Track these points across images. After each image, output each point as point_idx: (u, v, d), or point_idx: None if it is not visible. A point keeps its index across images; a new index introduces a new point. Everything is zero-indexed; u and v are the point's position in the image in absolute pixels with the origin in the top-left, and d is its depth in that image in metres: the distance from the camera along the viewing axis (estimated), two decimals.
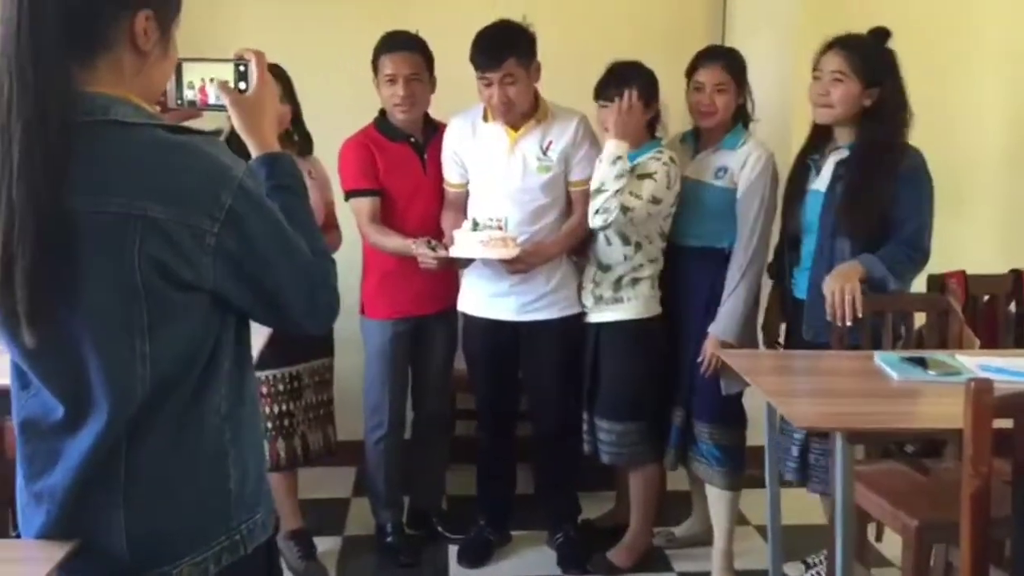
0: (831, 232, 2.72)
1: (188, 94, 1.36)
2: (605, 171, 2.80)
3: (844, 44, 2.72)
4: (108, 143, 1.13)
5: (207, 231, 1.15)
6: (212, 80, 1.36)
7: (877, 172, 2.65)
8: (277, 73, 2.91)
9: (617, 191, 2.78)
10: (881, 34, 2.74)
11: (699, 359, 2.91)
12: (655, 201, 2.85)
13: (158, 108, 1.30)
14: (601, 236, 2.93)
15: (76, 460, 1.18)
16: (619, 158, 2.79)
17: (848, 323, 2.58)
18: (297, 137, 3.08)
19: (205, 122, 1.33)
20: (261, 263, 1.21)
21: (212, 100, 1.37)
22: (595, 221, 2.83)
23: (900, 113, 2.71)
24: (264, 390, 3.00)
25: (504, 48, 2.81)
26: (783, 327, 3.01)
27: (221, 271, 1.18)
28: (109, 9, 1.16)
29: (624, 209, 2.80)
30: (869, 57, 2.69)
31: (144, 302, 1.14)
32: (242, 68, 1.37)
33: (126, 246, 1.12)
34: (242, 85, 1.36)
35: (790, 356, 2.63)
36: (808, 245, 2.81)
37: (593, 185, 2.83)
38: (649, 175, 2.84)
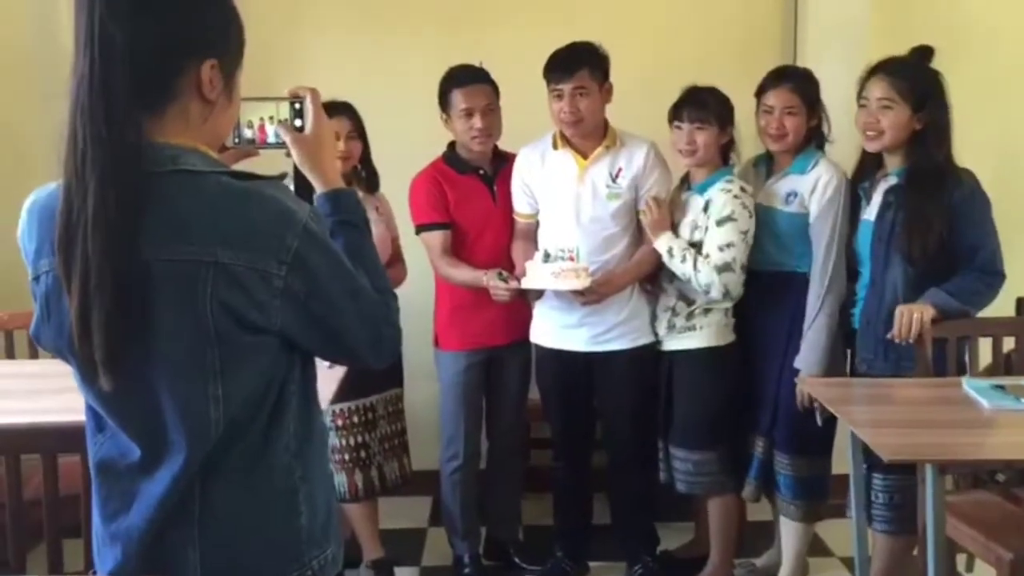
0: (883, 262, 2.66)
1: (247, 133, 1.39)
2: (676, 266, 2.87)
3: (889, 69, 2.66)
4: (178, 193, 1.17)
5: (274, 274, 1.18)
6: (271, 118, 1.39)
7: (930, 197, 2.58)
8: (347, 111, 3.01)
9: (695, 266, 2.82)
10: (925, 53, 2.67)
11: (794, 395, 2.84)
12: (745, 236, 2.83)
13: (218, 148, 1.32)
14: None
15: (152, 501, 1.21)
16: (671, 249, 2.87)
17: (899, 340, 2.53)
18: (364, 174, 3.14)
19: (264, 162, 1.35)
20: (327, 303, 1.23)
21: (271, 139, 1.40)
22: (714, 295, 2.85)
23: (948, 134, 2.63)
24: (339, 423, 3.04)
25: (577, 60, 2.84)
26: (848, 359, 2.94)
27: (288, 313, 1.20)
28: (176, 60, 1.20)
29: (727, 268, 2.81)
30: (916, 80, 2.63)
31: (216, 346, 1.17)
32: (297, 106, 1.39)
33: (198, 292, 1.15)
34: (298, 122, 1.39)
35: (878, 384, 2.55)
36: (863, 277, 2.77)
37: (684, 278, 2.88)
38: (729, 218, 2.82)
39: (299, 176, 1.41)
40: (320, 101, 1.40)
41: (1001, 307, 2.84)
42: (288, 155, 1.41)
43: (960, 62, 3.56)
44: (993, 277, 2.59)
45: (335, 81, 3.37)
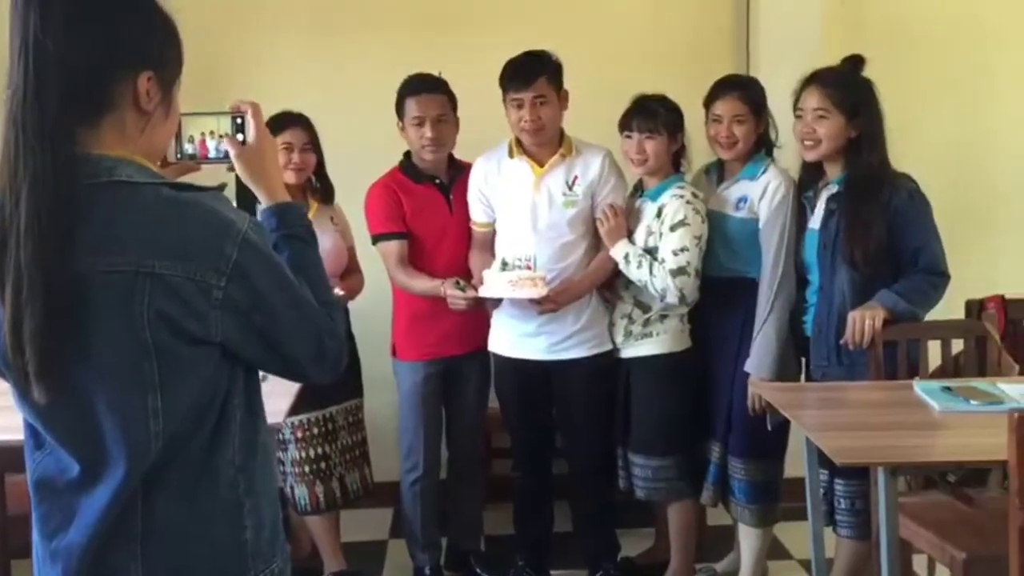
0: (830, 270, 2.71)
1: (188, 148, 1.39)
2: (633, 272, 2.89)
3: (823, 80, 2.71)
4: (114, 203, 1.15)
5: (214, 285, 1.17)
6: (211, 133, 1.38)
7: (868, 203, 2.63)
8: (302, 122, 3.00)
9: (651, 271, 2.83)
10: (856, 63, 2.73)
11: (746, 399, 2.87)
12: (699, 241, 2.86)
13: (159, 164, 1.31)
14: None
15: (92, 517, 1.19)
16: (627, 255, 2.89)
17: (853, 347, 2.58)
18: (319, 185, 3.13)
19: (206, 176, 1.34)
20: (267, 314, 1.22)
21: (212, 153, 1.39)
22: (671, 300, 2.87)
23: (882, 141, 2.68)
24: (299, 434, 3.02)
25: (536, 68, 2.86)
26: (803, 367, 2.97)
27: (229, 324, 1.19)
28: (112, 71, 1.19)
29: (681, 272, 2.82)
30: (849, 89, 2.68)
31: (154, 358, 1.15)
32: (239, 120, 1.39)
33: (134, 303, 1.13)
34: (240, 137, 1.38)
35: (830, 388, 2.59)
36: (812, 284, 2.81)
37: (640, 284, 2.89)
38: (682, 223, 2.84)
39: (240, 188, 1.40)
40: (261, 115, 1.40)
41: (950, 310, 2.89)
42: (230, 170, 1.40)
43: (910, 68, 3.64)
44: (937, 278, 2.63)
45: (290, 92, 3.37)
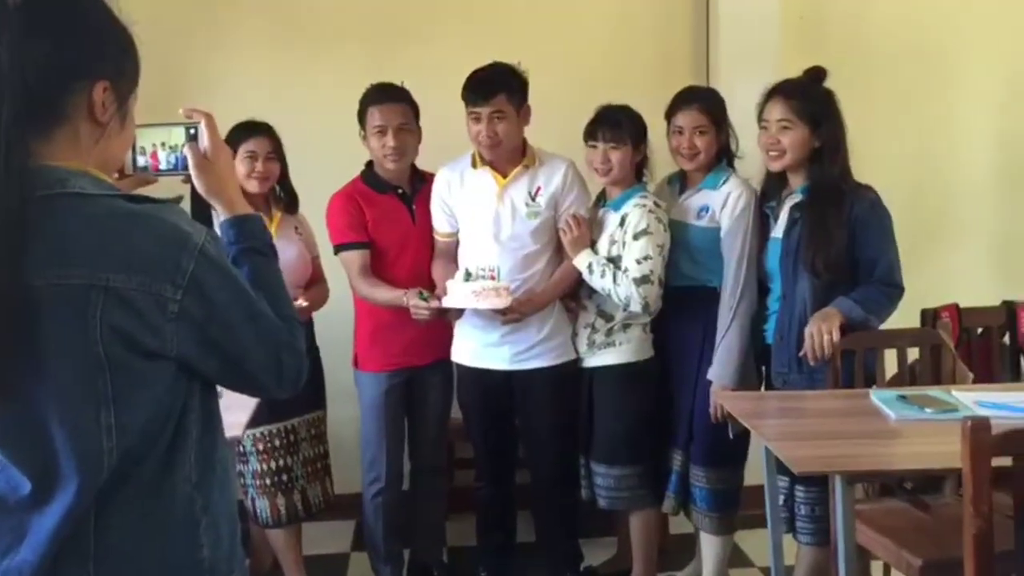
0: (792, 278, 2.74)
1: (140, 160, 1.37)
2: (596, 281, 2.90)
3: (786, 92, 2.76)
4: (67, 216, 1.14)
5: (170, 298, 1.15)
6: (163, 144, 1.36)
7: (829, 212, 2.67)
8: (266, 131, 2.98)
9: (615, 280, 2.85)
10: (818, 74, 2.77)
11: (708, 408, 2.89)
12: (661, 250, 2.88)
13: (116, 176, 1.30)
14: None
15: (44, 536, 1.17)
16: (591, 265, 2.90)
17: (814, 362, 2.61)
18: (283, 194, 3.11)
19: (161, 188, 1.33)
20: (225, 329, 1.21)
21: (163, 165, 1.37)
22: (634, 309, 2.88)
23: (843, 151, 2.73)
24: (260, 447, 2.99)
25: (495, 84, 2.85)
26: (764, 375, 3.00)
27: (185, 338, 1.18)
28: (66, 81, 1.17)
29: (645, 280, 2.84)
30: (811, 100, 2.73)
31: (107, 373, 1.13)
32: (192, 131, 1.37)
33: (87, 317, 1.11)
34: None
35: (788, 397, 2.62)
36: (774, 292, 2.84)
37: (604, 293, 2.90)
38: (645, 232, 2.86)
39: (195, 200, 1.39)
40: (215, 125, 1.38)
41: (906, 319, 2.94)
42: (185, 181, 1.38)
43: (867, 82, 3.70)
44: (892, 288, 2.68)
45: (253, 101, 3.34)
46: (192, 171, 1.36)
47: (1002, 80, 4.01)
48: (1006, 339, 3.49)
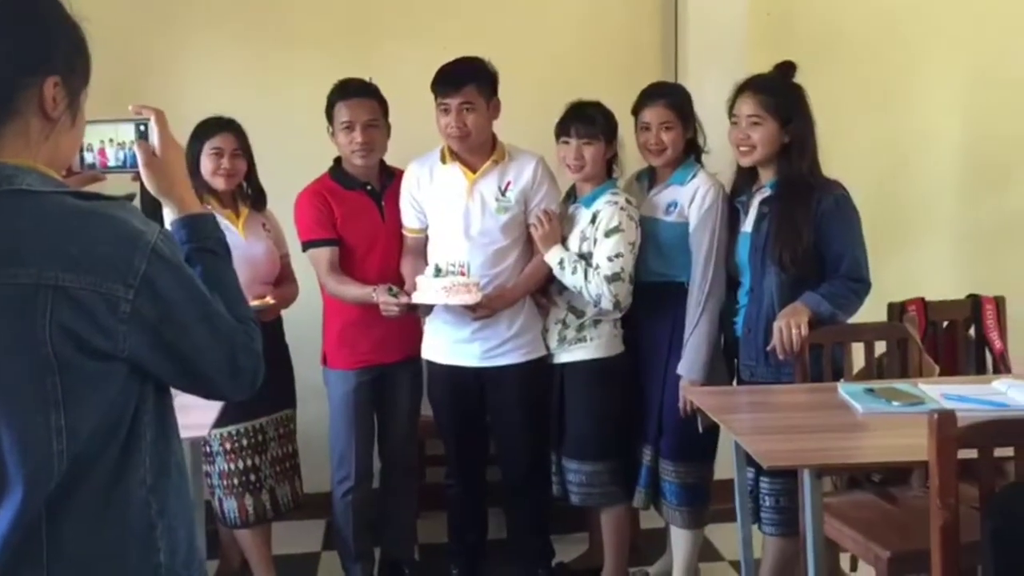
0: (760, 271, 2.76)
1: (87, 157, 1.33)
2: (568, 278, 2.90)
3: (756, 87, 2.77)
4: (15, 213, 1.11)
5: (121, 298, 1.13)
6: (111, 141, 1.33)
7: (797, 206, 2.69)
8: (232, 128, 2.95)
9: (586, 276, 2.84)
10: (788, 70, 2.79)
11: (678, 402, 2.89)
12: (632, 247, 2.88)
13: (64, 174, 1.27)
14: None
15: None
16: (562, 261, 2.89)
17: (782, 356, 2.63)
18: (250, 191, 3.08)
19: (111, 187, 1.30)
20: (179, 330, 1.19)
21: (112, 163, 1.34)
22: (605, 306, 2.88)
23: (811, 146, 2.75)
24: (227, 446, 2.95)
25: (465, 75, 2.85)
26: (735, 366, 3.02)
27: (137, 339, 1.15)
28: (16, 76, 1.15)
29: (616, 278, 2.84)
30: (781, 95, 2.74)
31: (57, 374, 1.11)
32: (142, 127, 1.34)
33: (36, 317, 1.09)
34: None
35: (757, 391, 2.64)
36: (744, 287, 2.85)
37: (575, 290, 2.90)
38: (616, 229, 2.86)
39: (145, 197, 1.36)
40: (166, 121, 1.35)
41: (873, 313, 2.96)
42: (135, 179, 1.35)
43: (833, 77, 3.72)
44: (858, 284, 2.69)
45: (219, 97, 3.31)
46: (141, 169, 1.34)
47: (967, 75, 4.05)
48: (971, 332, 3.53)
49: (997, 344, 3.50)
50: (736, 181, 2.92)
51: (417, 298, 2.86)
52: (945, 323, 3.48)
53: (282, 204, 3.14)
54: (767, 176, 2.81)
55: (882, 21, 3.96)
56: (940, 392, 2.31)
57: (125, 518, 1.19)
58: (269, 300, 2.95)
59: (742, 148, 2.78)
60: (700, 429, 2.82)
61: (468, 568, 3.20)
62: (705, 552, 3.25)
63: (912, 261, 3.92)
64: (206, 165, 2.94)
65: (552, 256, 2.92)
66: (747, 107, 2.75)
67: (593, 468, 2.99)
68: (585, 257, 2.91)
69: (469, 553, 3.21)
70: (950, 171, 4.11)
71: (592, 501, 3.06)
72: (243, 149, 3.00)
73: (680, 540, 3.04)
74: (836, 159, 2.85)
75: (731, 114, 2.81)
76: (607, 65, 3.80)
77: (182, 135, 2.90)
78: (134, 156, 1.35)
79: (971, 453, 1.77)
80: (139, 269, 1.14)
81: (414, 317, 3.01)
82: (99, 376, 1.14)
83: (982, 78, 4.04)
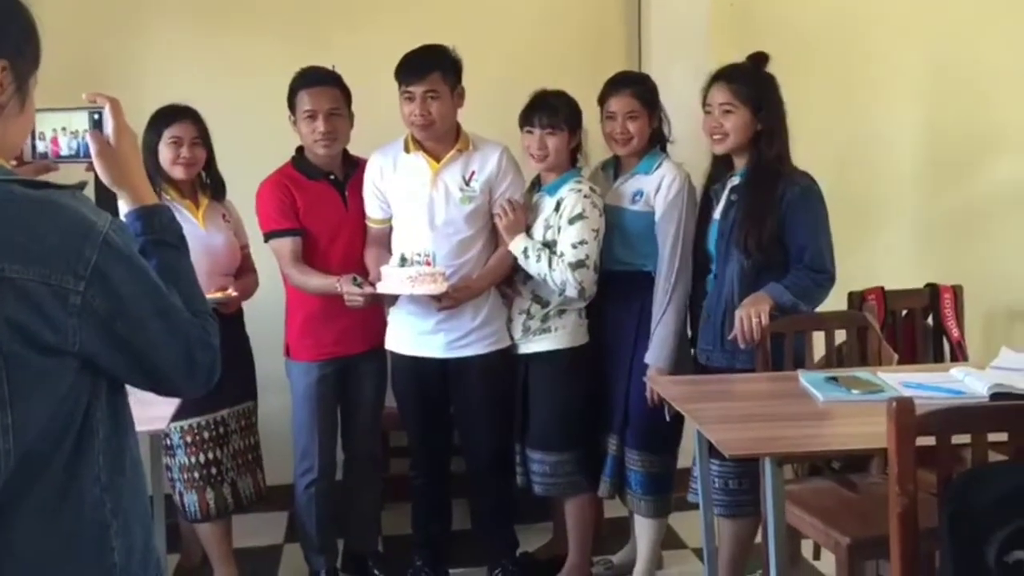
0: (725, 257, 2.78)
1: (39, 146, 1.30)
2: (532, 266, 2.90)
3: (728, 76, 2.79)
4: None
5: (71, 290, 1.09)
6: (63, 129, 1.30)
7: (763, 194, 2.72)
8: (191, 116, 2.91)
9: (551, 265, 2.84)
10: (760, 59, 2.81)
11: (643, 392, 2.90)
12: (596, 234, 2.88)
13: (14, 163, 1.24)
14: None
15: None
16: (526, 249, 2.89)
17: (743, 346, 2.64)
18: (209, 181, 3.04)
19: (62, 176, 1.27)
20: (132, 323, 1.15)
21: (64, 152, 1.31)
22: (570, 294, 2.88)
23: (781, 135, 2.77)
24: (188, 439, 2.92)
25: (429, 62, 2.83)
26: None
27: (88, 333, 1.11)
28: None
29: (580, 265, 2.84)
30: (753, 84, 2.77)
31: (3, 370, 1.07)
32: (96, 116, 1.30)
33: None
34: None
35: (720, 380, 2.65)
36: (713, 274, 2.87)
37: (538, 279, 2.90)
38: (580, 216, 2.86)
39: (99, 187, 1.33)
40: (121, 110, 1.32)
41: (834, 301, 2.99)
42: (89, 169, 1.31)
43: (795, 67, 3.73)
44: (820, 275, 2.72)
45: (178, 85, 3.27)
46: (94, 159, 1.30)
47: (926, 67, 4.10)
48: (929, 321, 3.59)
49: (955, 332, 3.56)
50: (711, 170, 2.93)
51: (382, 288, 2.84)
52: (904, 312, 3.54)
53: (243, 194, 3.10)
54: (740, 164, 2.83)
55: (843, 13, 3.99)
56: (899, 380, 2.33)
57: (78, 517, 1.16)
58: (231, 293, 2.91)
59: (715, 136, 2.80)
60: (668, 417, 2.84)
61: (432, 559, 3.19)
62: (668, 540, 3.28)
63: (872, 251, 3.96)
64: (164, 154, 2.90)
65: (516, 245, 2.91)
66: (720, 95, 2.77)
67: (557, 458, 3.00)
68: (549, 245, 2.91)
69: (433, 544, 3.20)
70: (909, 162, 4.16)
71: (556, 491, 3.06)
72: (202, 138, 2.95)
73: (644, 529, 3.06)
74: (796, 150, 2.87)
75: (704, 103, 2.82)
76: (571, 55, 3.80)
77: (141, 125, 2.90)
78: (87, 145, 1.31)
79: (929, 440, 1.79)
80: (90, 260, 1.10)
81: (378, 308, 2.99)
82: (48, 372, 1.10)
83: (941, 70, 4.10)
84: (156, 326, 1.18)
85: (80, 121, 1.31)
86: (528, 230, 2.96)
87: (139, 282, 1.17)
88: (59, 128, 1.30)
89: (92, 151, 1.30)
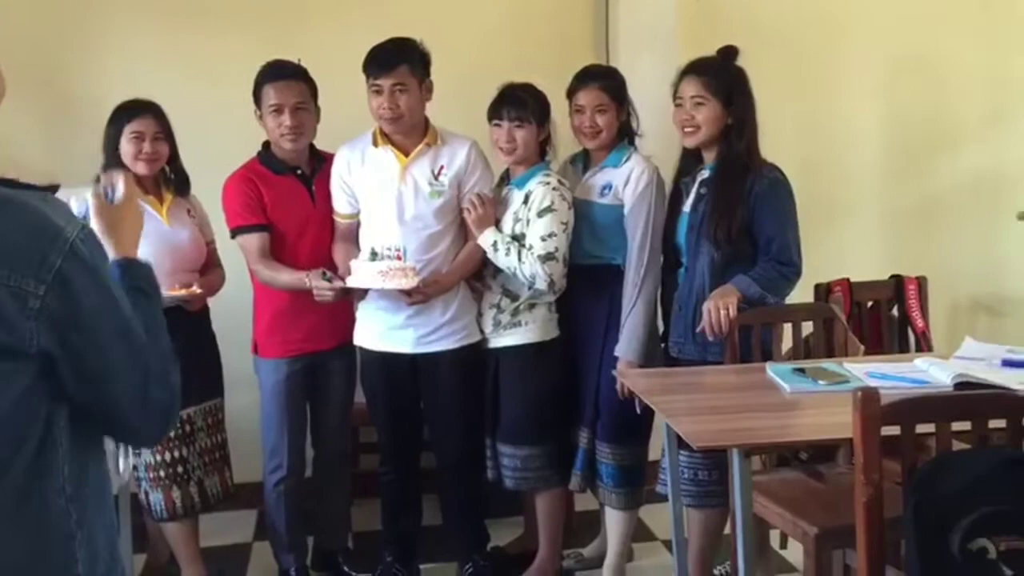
0: (695, 250, 2.79)
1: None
2: (501, 259, 2.89)
3: (700, 69, 2.80)
4: None
5: (30, 293, 1.06)
6: (77, 197, 1.36)
7: (732, 186, 2.73)
8: (152, 110, 2.87)
9: (520, 258, 2.84)
10: (730, 53, 2.83)
11: (614, 385, 2.90)
12: (565, 228, 2.88)
13: None
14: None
15: None
16: (495, 243, 2.89)
17: (712, 338, 2.66)
18: (173, 176, 3.01)
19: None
20: (89, 338, 1.10)
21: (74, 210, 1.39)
22: (540, 286, 2.87)
23: (751, 128, 2.79)
24: None
25: (397, 55, 2.82)
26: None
27: (45, 339, 1.07)
28: None
29: (550, 257, 2.84)
30: (724, 77, 2.78)
31: None
32: (108, 190, 1.42)
33: None
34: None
35: (689, 372, 2.66)
36: (683, 266, 2.88)
37: (507, 272, 2.90)
38: (549, 209, 2.86)
39: None
40: (132, 182, 1.42)
41: (801, 293, 3.01)
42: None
43: (762, 62, 3.76)
44: (787, 267, 2.74)
45: (142, 80, 3.23)
46: (92, 213, 1.35)
47: (888, 60, 4.14)
48: (894, 311, 3.63)
49: (919, 323, 3.60)
50: (680, 163, 2.94)
51: (352, 282, 2.82)
52: (870, 303, 3.57)
53: (209, 190, 3.06)
54: (710, 157, 2.84)
55: (806, 9, 4.03)
56: (865, 371, 2.35)
57: (42, 528, 1.13)
58: (196, 289, 2.88)
59: (686, 129, 2.81)
60: (638, 410, 2.85)
61: (403, 555, 3.18)
62: (638, 532, 3.28)
63: (837, 243, 4.00)
64: (126, 149, 2.86)
65: (485, 239, 2.91)
66: (691, 88, 2.78)
67: (528, 452, 3.00)
68: (518, 238, 2.91)
69: (404, 540, 3.19)
70: (873, 155, 4.21)
71: (527, 485, 3.07)
72: (165, 133, 2.92)
73: (615, 521, 3.06)
74: (762, 143, 2.88)
75: (675, 95, 2.83)
76: (539, 48, 3.79)
77: (104, 121, 2.85)
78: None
79: (894, 430, 1.81)
80: (53, 264, 1.07)
81: (347, 304, 2.97)
82: (4, 376, 1.07)
83: (903, 63, 4.14)
84: (113, 345, 1.13)
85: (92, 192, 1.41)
86: (497, 224, 2.95)
87: (102, 296, 1.13)
88: (73, 197, 1.34)
89: (91, 207, 1.35)
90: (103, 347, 1.12)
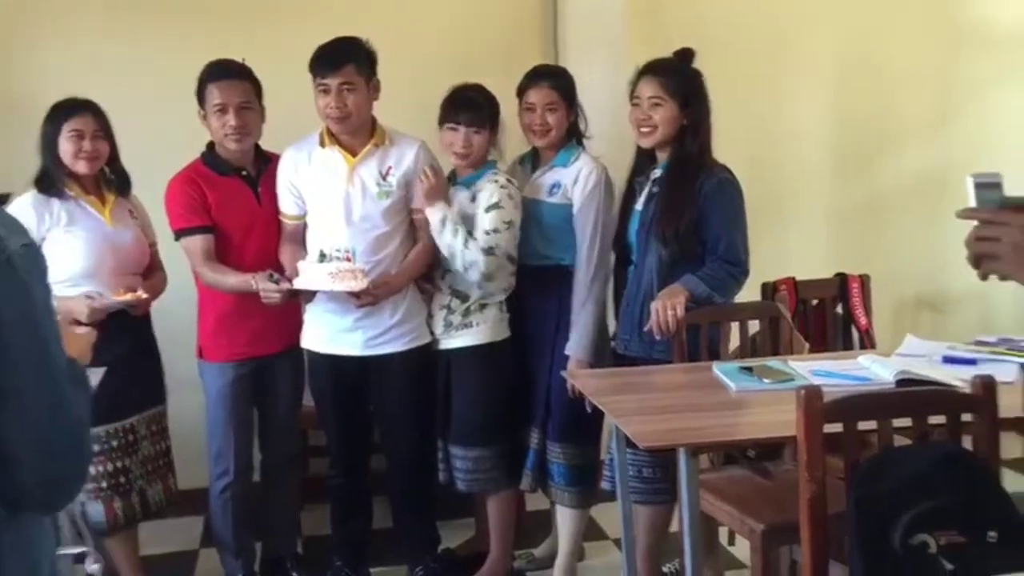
0: (644, 248, 2.81)
1: None
2: (446, 239, 2.85)
3: (657, 70, 2.83)
4: None
5: None
6: None
7: (683, 185, 2.76)
8: (90, 108, 2.82)
9: (465, 243, 2.82)
10: (687, 55, 2.86)
11: (564, 384, 2.89)
12: (510, 225, 2.88)
13: None
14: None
15: None
16: (444, 219, 2.85)
17: (659, 337, 2.67)
18: (114, 176, 2.94)
19: None
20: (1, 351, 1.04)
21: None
22: (473, 276, 2.85)
23: (704, 129, 2.82)
24: (96, 448, 2.80)
25: (344, 54, 2.80)
26: None
27: None
28: None
29: (490, 251, 2.83)
30: (681, 79, 2.81)
31: None
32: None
33: None
34: None
35: (637, 372, 2.68)
36: (632, 264, 2.89)
37: (445, 252, 2.87)
38: (496, 206, 2.85)
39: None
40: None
41: (747, 292, 3.04)
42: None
43: (709, 64, 3.80)
44: (734, 267, 2.76)
45: (82, 80, 3.15)
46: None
47: (833, 62, 4.20)
48: (839, 309, 3.68)
49: (863, 320, 3.66)
50: (634, 162, 2.96)
51: (300, 284, 2.79)
52: (815, 301, 3.62)
53: (151, 192, 3.01)
54: (663, 157, 2.86)
55: (753, 9, 4.07)
56: (809, 369, 2.38)
57: None
58: (141, 294, 2.82)
59: (643, 129, 2.82)
60: (588, 409, 2.85)
61: (353, 559, 3.15)
62: (589, 531, 3.30)
63: (784, 241, 4.05)
64: (65, 148, 2.79)
65: (435, 213, 2.87)
66: (649, 88, 2.79)
67: (479, 454, 2.99)
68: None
69: (353, 544, 3.16)
70: (819, 154, 4.27)
71: (478, 487, 3.06)
72: (104, 131, 2.85)
73: (566, 520, 3.07)
74: (713, 143, 2.91)
75: (632, 95, 2.85)
76: (487, 48, 3.78)
77: (41, 120, 2.79)
78: None
79: (837, 427, 1.84)
80: None
81: (294, 306, 2.94)
82: None
83: (848, 64, 4.21)
84: (27, 373, 1.06)
85: None
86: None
87: (25, 313, 1.07)
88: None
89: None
90: (13, 363, 1.06)
